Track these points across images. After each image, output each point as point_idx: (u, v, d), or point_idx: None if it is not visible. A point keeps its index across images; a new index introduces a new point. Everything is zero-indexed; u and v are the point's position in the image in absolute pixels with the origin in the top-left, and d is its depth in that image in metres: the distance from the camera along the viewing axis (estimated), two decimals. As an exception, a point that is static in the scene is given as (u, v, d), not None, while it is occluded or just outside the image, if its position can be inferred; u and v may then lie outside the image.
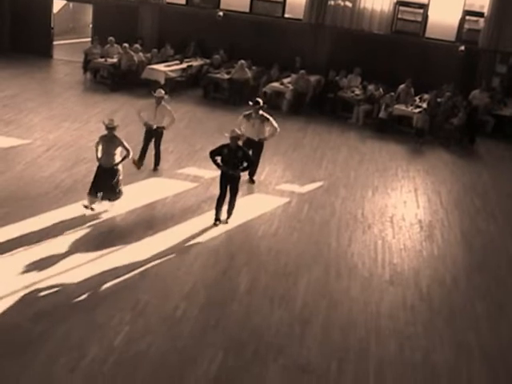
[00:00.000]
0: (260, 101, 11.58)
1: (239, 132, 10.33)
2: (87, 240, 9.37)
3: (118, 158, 10.07)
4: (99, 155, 10.05)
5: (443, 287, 9.15)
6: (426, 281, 9.23)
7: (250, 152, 11.26)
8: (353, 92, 17.94)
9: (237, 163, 9.88)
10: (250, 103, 11.59)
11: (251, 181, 12.01)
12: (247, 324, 7.78)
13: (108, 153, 9.98)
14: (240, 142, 10.28)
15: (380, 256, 9.83)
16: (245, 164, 10.00)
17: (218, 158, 10.01)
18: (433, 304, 8.67)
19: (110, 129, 9.95)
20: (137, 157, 12.00)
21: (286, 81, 18.37)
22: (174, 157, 13.19)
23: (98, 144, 10.07)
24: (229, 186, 10.09)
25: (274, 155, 13.89)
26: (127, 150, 10.03)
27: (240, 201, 11.09)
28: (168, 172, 12.35)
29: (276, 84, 18.22)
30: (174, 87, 18.30)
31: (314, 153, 14.62)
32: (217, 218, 10.23)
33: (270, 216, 10.89)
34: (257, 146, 11.75)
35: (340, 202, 11.80)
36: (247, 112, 11.74)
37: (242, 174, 10.21)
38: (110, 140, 9.97)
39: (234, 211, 10.38)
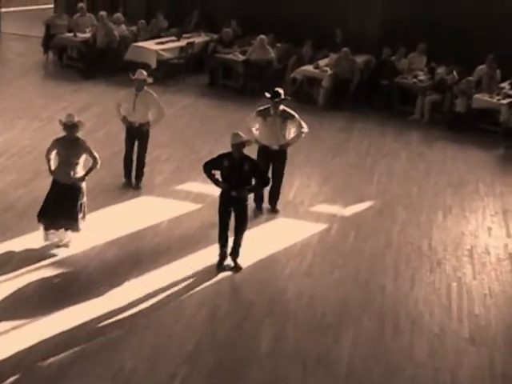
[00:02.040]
0: (281, 92, 11.53)
1: (248, 137, 10.30)
2: (48, 283, 9.41)
3: (81, 171, 9.97)
4: (53, 166, 9.92)
5: (546, 347, 9.08)
6: (522, 338, 9.18)
7: (270, 169, 11.33)
8: (416, 77, 17.99)
9: (242, 180, 9.80)
10: (267, 95, 11.59)
11: (274, 210, 11.97)
12: (271, 398, 7.77)
13: (67, 163, 9.83)
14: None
15: (455, 304, 9.77)
16: (254, 182, 9.91)
17: (217, 173, 9.96)
18: (532, 372, 8.61)
19: (70, 128, 9.79)
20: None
21: (322, 63, 18.49)
22: (169, 167, 13.29)
23: (50, 151, 9.91)
24: (233, 212, 10.00)
25: (307, 164, 13.93)
26: (94, 159, 9.95)
27: (260, 228, 11.14)
28: (162, 188, 12.44)
29: (309, 67, 18.34)
30: (170, 72, 18.51)
31: (361, 161, 14.66)
32: (221, 262, 10.18)
33: (302, 248, 10.90)
34: (278, 158, 11.61)
35: (398, 229, 11.79)
36: (263, 107, 11.66)
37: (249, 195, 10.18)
38: (69, 145, 9.83)
39: (252, 243, 10.37)
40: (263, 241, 10.77)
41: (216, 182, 9.97)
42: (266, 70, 18.18)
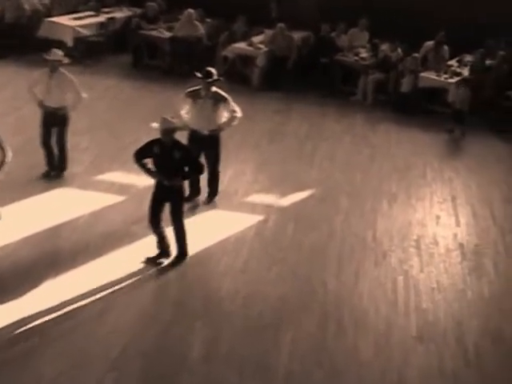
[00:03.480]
0: (213, 72, 11.50)
1: (178, 120, 10.27)
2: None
3: None
4: None
5: (499, 345, 9.19)
6: (474, 335, 9.28)
7: (202, 157, 11.30)
8: (357, 55, 18.11)
9: (174, 168, 9.75)
10: (198, 75, 11.56)
11: (210, 201, 11.97)
12: (204, 406, 7.79)
13: None
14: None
15: (402, 299, 9.88)
16: (187, 169, 9.89)
17: (149, 162, 9.90)
18: (485, 370, 8.69)
19: None
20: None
21: (256, 39, 18.49)
22: (89, 156, 13.16)
23: None
24: (169, 204, 9.98)
25: (241, 150, 13.95)
26: (3, 150, 9.67)
27: (191, 221, 11.08)
28: (81, 179, 12.30)
29: (242, 45, 18.33)
30: (89, 51, 18.29)
31: (301, 146, 14.73)
32: (160, 254, 10.20)
33: (237, 242, 10.91)
34: (209, 143, 11.59)
35: (341, 219, 11.87)
36: (193, 89, 11.64)
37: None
38: None
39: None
40: (194, 235, 10.65)
41: (149, 173, 9.93)
42: (195, 47, 18.11)
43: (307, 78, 18.21)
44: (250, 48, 18.14)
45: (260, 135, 14.93)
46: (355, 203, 12.46)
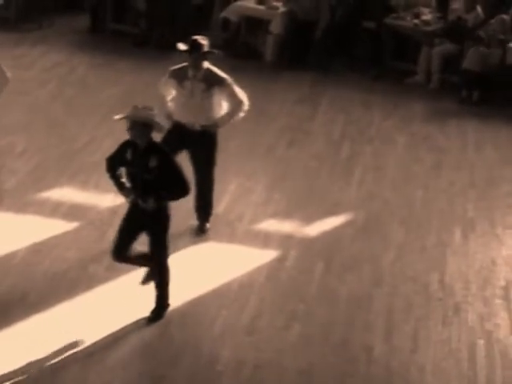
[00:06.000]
0: (202, 42, 11.46)
1: (161, 110, 10.31)
2: None
3: None
4: None
5: None
6: None
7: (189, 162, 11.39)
8: (418, 17, 18.17)
9: (150, 183, 9.63)
10: (182, 48, 11.53)
11: (201, 229, 12.04)
12: None
13: None
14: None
15: (483, 373, 9.84)
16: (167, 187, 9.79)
17: (123, 172, 9.91)
18: None
19: None
20: None
21: (270, -5, 18.64)
22: (27, 164, 13.28)
23: None
24: (147, 234, 9.99)
25: (248, 158, 14.07)
26: None
27: (177, 258, 11.09)
28: (15, 197, 12.37)
29: (249, 2, 18.48)
30: (27, 10, 18.41)
31: (334, 150, 14.87)
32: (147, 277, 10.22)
33: (241, 289, 10.95)
34: (200, 145, 11.60)
35: (392, 258, 11.92)
36: (179, 66, 11.69)
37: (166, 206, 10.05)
38: None
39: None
40: (182, 279, 10.62)
41: (119, 187, 9.97)
42: (181, 5, 18.20)
43: (344, 51, 18.27)
44: (262, 7, 18.25)
45: (275, 135, 15.05)
46: (413, 234, 12.53)
